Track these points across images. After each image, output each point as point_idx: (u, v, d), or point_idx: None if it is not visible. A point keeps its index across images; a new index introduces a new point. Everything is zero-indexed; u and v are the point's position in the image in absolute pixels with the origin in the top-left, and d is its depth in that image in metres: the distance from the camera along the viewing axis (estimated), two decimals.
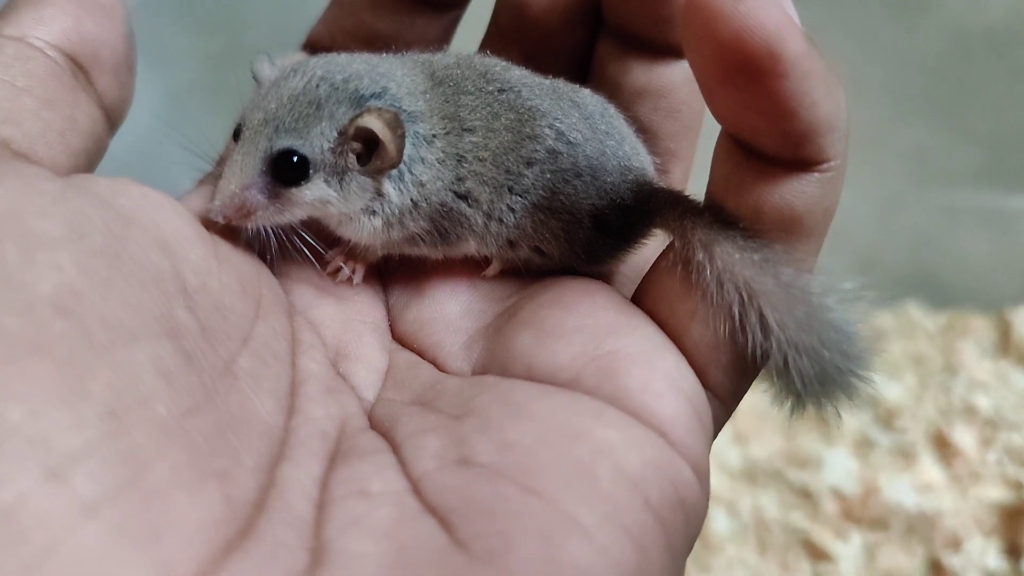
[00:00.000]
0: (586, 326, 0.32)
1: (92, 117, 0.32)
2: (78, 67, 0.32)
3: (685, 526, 0.29)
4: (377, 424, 0.32)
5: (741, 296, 0.31)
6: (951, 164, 0.86)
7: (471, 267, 0.37)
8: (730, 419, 0.83)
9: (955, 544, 0.74)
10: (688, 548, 0.29)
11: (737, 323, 0.31)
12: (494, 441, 0.28)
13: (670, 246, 0.33)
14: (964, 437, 0.81)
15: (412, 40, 0.41)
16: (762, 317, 0.31)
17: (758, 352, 0.31)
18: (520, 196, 0.36)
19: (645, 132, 0.40)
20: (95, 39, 0.32)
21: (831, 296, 0.31)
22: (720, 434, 0.78)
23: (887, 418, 0.83)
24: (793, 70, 0.27)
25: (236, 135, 0.35)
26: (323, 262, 0.37)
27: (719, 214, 0.32)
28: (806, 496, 0.78)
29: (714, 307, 0.31)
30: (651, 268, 0.34)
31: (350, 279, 0.37)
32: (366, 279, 0.38)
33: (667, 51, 0.39)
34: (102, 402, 0.23)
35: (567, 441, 0.28)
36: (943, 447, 0.81)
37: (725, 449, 0.81)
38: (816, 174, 0.30)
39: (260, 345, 0.31)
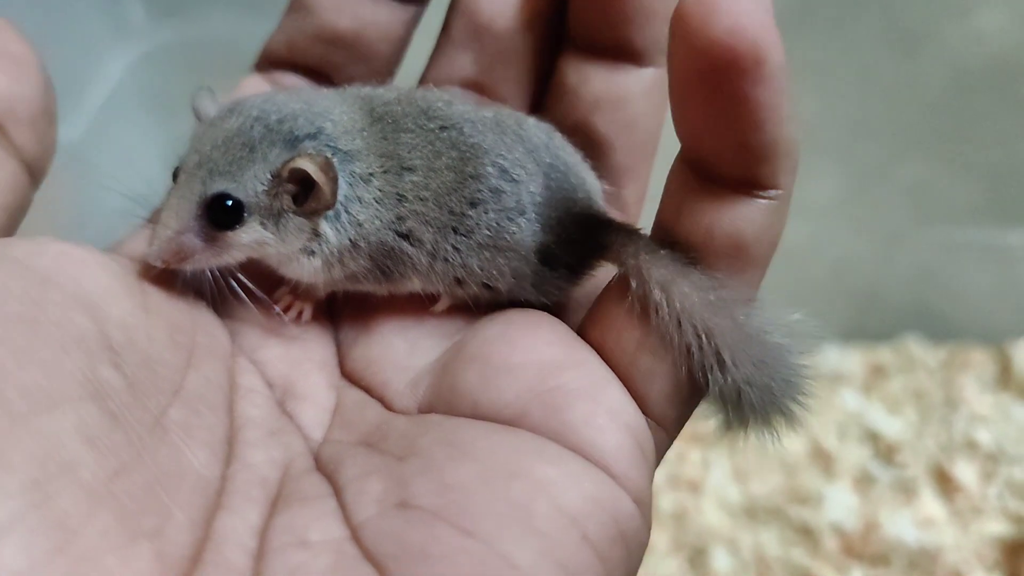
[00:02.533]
0: (531, 362, 0.32)
1: (11, 173, 0.32)
2: None
3: (625, 559, 0.29)
4: (323, 465, 0.32)
5: (699, 336, 0.31)
6: (951, 199, 0.86)
7: (419, 303, 0.37)
8: (730, 456, 0.83)
9: None
10: None
11: (696, 361, 0.31)
12: (434, 482, 0.28)
13: (619, 277, 0.34)
14: (965, 472, 0.80)
15: (374, 40, 0.41)
16: (719, 356, 0.31)
17: (713, 387, 0.32)
18: (464, 236, 0.36)
19: (600, 145, 0.40)
20: (9, 94, 0.32)
21: (780, 330, 0.32)
22: (720, 471, 0.80)
23: (888, 453, 0.83)
24: (772, 78, 0.28)
25: (175, 176, 0.35)
26: (269, 302, 0.37)
27: (674, 251, 0.32)
28: (807, 533, 0.77)
29: (671, 345, 0.32)
30: (599, 298, 0.34)
31: (298, 318, 0.37)
32: (315, 317, 0.38)
33: (627, 56, 0.39)
34: (25, 472, 0.23)
35: (506, 480, 0.28)
36: (944, 482, 0.81)
37: (726, 486, 0.81)
38: (765, 200, 0.31)
39: (192, 395, 0.31)
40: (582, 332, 0.34)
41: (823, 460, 0.83)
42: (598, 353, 0.33)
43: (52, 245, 0.30)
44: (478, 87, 0.42)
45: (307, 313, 0.37)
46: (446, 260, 0.36)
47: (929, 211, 0.87)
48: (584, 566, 0.27)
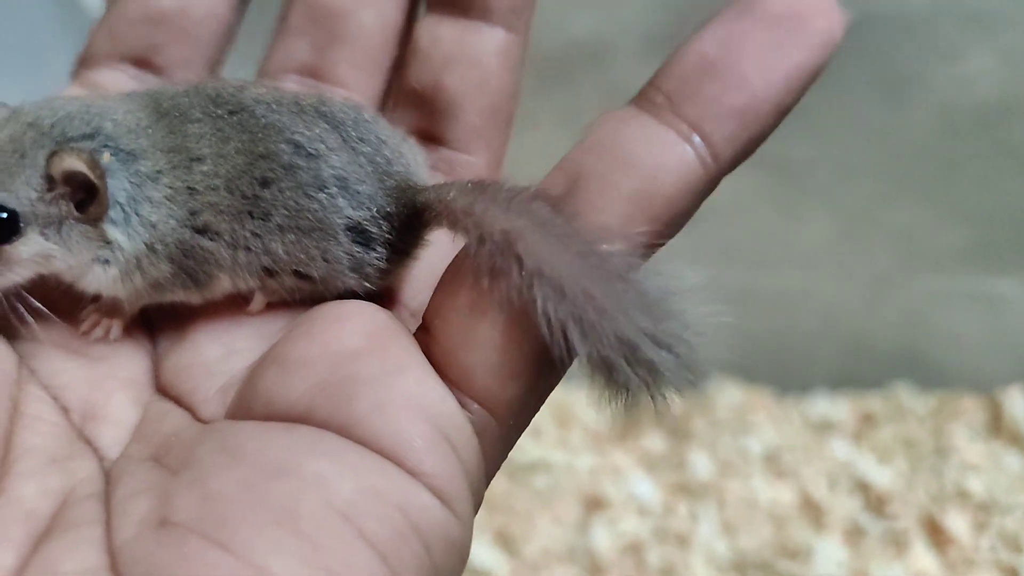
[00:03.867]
0: (328, 354, 0.30)
1: None
2: None
3: (423, 557, 0.27)
4: (110, 484, 0.30)
5: (524, 273, 0.28)
6: (940, 244, 0.86)
7: (237, 305, 0.36)
8: (718, 509, 0.83)
9: None
10: None
11: (537, 312, 0.28)
12: (197, 494, 0.27)
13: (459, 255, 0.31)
14: (957, 522, 0.80)
15: (200, 19, 0.41)
16: (549, 294, 0.28)
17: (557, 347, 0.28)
18: (261, 219, 0.34)
19: (451, 106, 0.39)
20: None
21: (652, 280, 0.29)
22: (708, 524, 0.79)
23: (878, 504, 0.82)
24: None
25: None
26: (69, 323, 0.35)
27: (491, 186, 0.31)
28: None
29: (495, 300, 0.29)
30: (440, 282, 0.32)
31: (105, 336, 0.35)
32: (128, 332, 0.36)
33: (479, 12, 0.39)
34: None
35: (270, 481, 0.26)
36: (936, 533, 0.80)
37: (713, 541, 0.80)
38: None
39: None
40: (424, 318, 0.32)
41: (813, 512, 0.82)
42: (429, 335, 0.31)
43: None
44: (314, 72, 0.41)
45: (116, 330, 0.35)
46: (248, 249, 0.34)
47: (918, 257, 0.87)
48: (357, 568, 0.25)
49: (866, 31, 0.78)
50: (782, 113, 0.30)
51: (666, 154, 0.30)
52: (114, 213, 0.33)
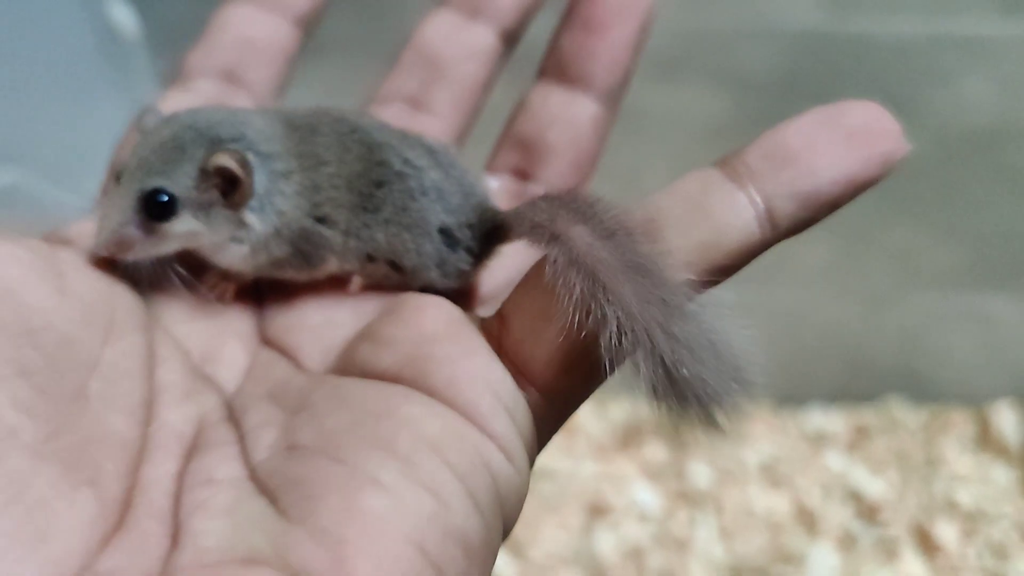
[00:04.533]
0: (412, 335, 0.35)
1: None
2: None
3: (491, 485, 0.32)
4: (233, 413, 0.36)
5: (588, 281, 0.32)
6: (935, 264, 0.87)
7: (337, 285, 0.42)
8: (716, 515, 0.84)
9: None
10: (498, 510, 0.32)
11: (591, 319, 0.32)
12: (316, 428, 0.32)
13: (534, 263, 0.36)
14: (946, 531, 0.82)
15: (277, 47, 0.49)
16: (609, 304, 0.32)
17: (608, 347, 0.31)
18: (372, 213, 0.41)
19: (549, 154, 0.47)
20: None
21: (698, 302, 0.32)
22: (706, 530, 0.80)
23: (870, 513, 0.84)
24: None
25: (117, 178, 0.39)
26: (196, 283, 0.41)
27: (575, 201, 0.35)
28: None
29: (563, 303, 0.32)
30: (520, 281, 0.37)
31: (222, 297, 0.41)
32: (239, 298, 0.42)
33: (584, 86, 0.47)
34: None
35: (375, 420, 0.32)
36: (925, 541, 0.82)
37: (711, 546, 0.82)
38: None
39: (109, 368, 0.34)
40: (502, 309, 0.36)
41: (807, 520, 0.84)
42: (504, 324, 0.35)
43: None
44: (416, 103, 0.49)
45: (230, 293, 0.41)
46: (358, 237, 0.41)
47: (914, 276, 0.88)
48: (443, 483, 0.30)
49: (863, 55, 0.79)
50: (834, 208, 0.35)
51: (735, 213, 0.34)
52: (253, 202, 0.39)
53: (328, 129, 0.41)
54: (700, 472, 0.87)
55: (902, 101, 0.81)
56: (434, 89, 0.49)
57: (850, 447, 0.90)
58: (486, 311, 0.40)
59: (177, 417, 0.35)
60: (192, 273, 0.41)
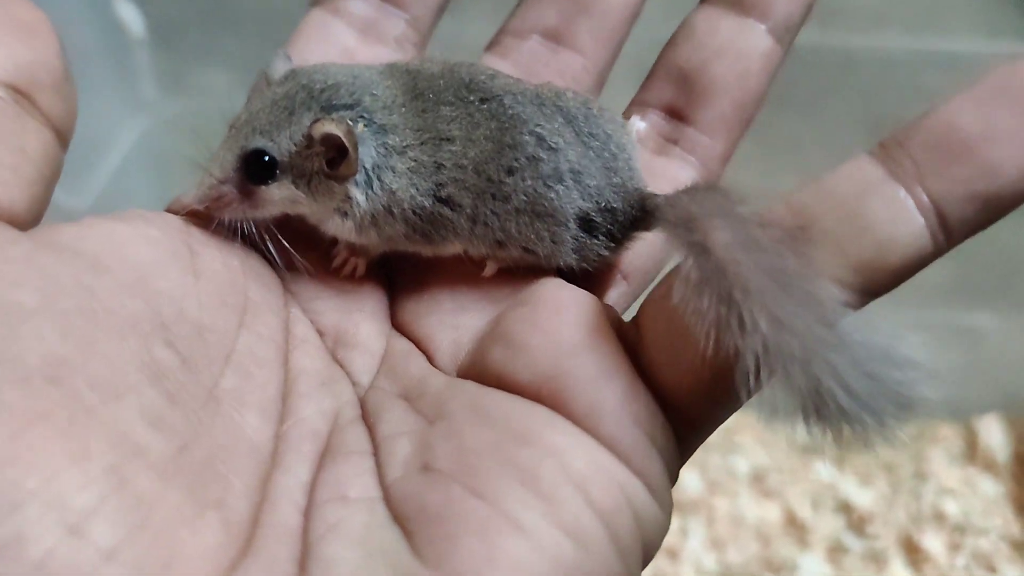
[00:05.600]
0: (548, 345, 0.32)
1: (42, 140, 0.32)
2: (20, 94, 0.32)
3: (635, 530, 0.29)
4: (367, 414, 0.33)
5: (732, 295, 0.29)
6: (921, 279, 0.86)
7: (469, 269, 0.39)
8: (707, 524, 0.83)
9: None
10: (640, 552, 0.30)
11: (730, 335, 0.28)
12: (454, 446, 0.30)
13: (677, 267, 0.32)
14: (933, 542, 0.82)
15: None
16: (751, 317, 0.28)
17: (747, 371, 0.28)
18: (502, 201, 0.37)
19: (712, 91, 0.42)
20: (31, 62, 0.32)
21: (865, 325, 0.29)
22: (697, 539, 0.80)
23: (859, 524, 0.84)
24: None
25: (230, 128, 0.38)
26: (324, 258, 0.39)
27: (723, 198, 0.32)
28: None
29: (703, 322, 0.29)
30: (656, 287, 0.34)
31: (352, 273, 0.39)
32: (369, 273, 0.39)
33: (758, 12, 0.42)
34: (103, 459, 0.26)
35: (517, 446, 0.29)
36: (913, 552, 0.82)
37: (702, 555, 0.82)
38: None
39: (244, 357, 0.32)
40: (637, 320, 0.33)
41: (797, 529, 0.84)
42: (641, 339, 0.32)
43: (98, 225, 0.32)
44: (557, 36, 0.44)
45: (361, 268, 0.39)
46: (486, 224, 0.38)
47: (901, 291, 0.86)
48: (586, 528, 0.28)
49: (850, 72, 0.80)
50: (1016, 206, 0.30)
51: (902, 226, 0.30)
52: (358, 176, 0.37)
53: (454, 97, 0.38)
54: (691, 481, 0.87)
55: (888, 117, 0.83)
56: (576, 21, 0.44)
57: (839, 458, 0.90)
58: (629, 291, 0.39)
59: (313, 411, 0.33)
60: (314, 244, 0.38)
